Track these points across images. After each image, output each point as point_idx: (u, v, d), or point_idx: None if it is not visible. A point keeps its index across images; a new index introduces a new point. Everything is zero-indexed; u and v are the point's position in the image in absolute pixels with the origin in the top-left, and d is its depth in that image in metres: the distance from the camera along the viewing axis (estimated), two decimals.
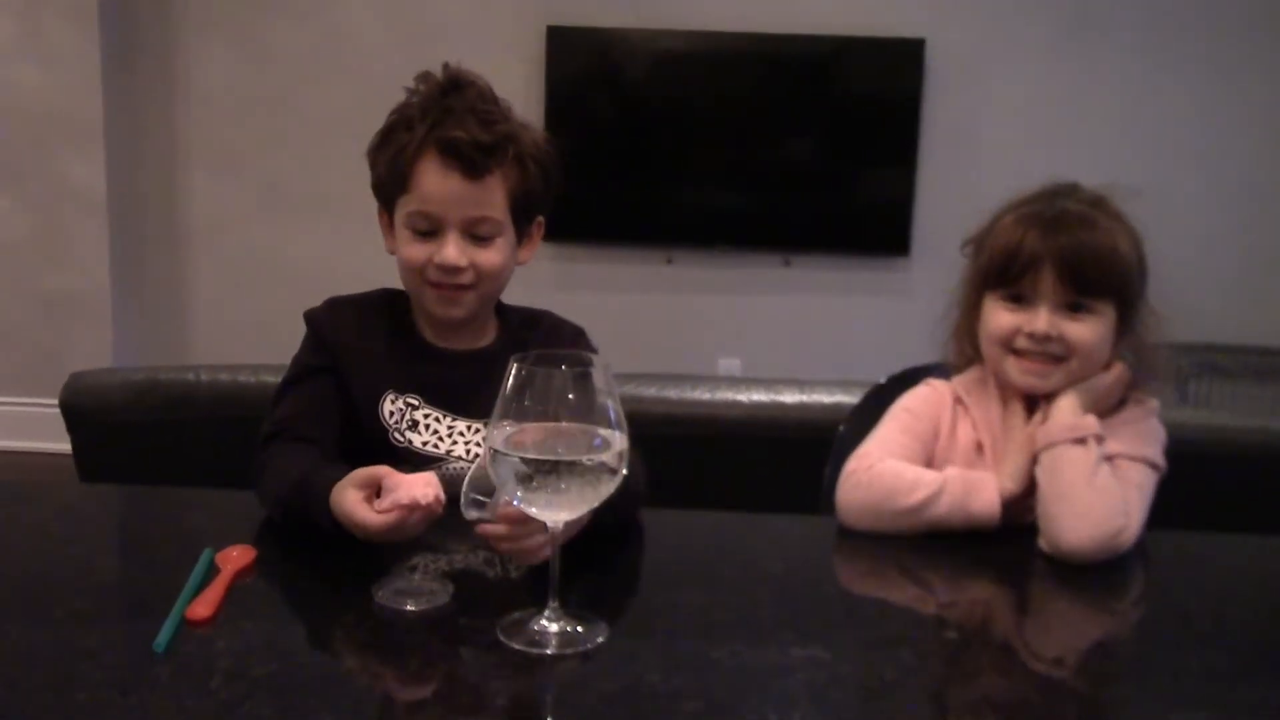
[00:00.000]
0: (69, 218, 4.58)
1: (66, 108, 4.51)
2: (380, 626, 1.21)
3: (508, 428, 1.14)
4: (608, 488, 1.15)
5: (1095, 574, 1.42)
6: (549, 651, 1.15)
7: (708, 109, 4.76)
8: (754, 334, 4.97)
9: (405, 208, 1.61)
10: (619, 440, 1.15)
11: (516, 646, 1.15)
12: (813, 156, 4.83)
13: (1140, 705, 1.12)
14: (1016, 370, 1.57)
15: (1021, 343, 1.55)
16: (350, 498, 1.33)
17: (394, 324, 1.70)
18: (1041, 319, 1.53)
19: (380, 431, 1.61)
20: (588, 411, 1.14)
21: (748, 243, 4.89)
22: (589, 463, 1.13)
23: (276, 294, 4.66)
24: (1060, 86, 4.70)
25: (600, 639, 1.17)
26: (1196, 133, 4.70)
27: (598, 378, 1.15)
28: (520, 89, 4.60)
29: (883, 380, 2.07)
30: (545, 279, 4.72)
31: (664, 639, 1.22)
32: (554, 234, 4.69)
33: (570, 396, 1.14)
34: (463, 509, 1.27)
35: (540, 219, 1.72)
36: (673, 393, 2.32)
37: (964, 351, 1.66)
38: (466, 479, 1.27)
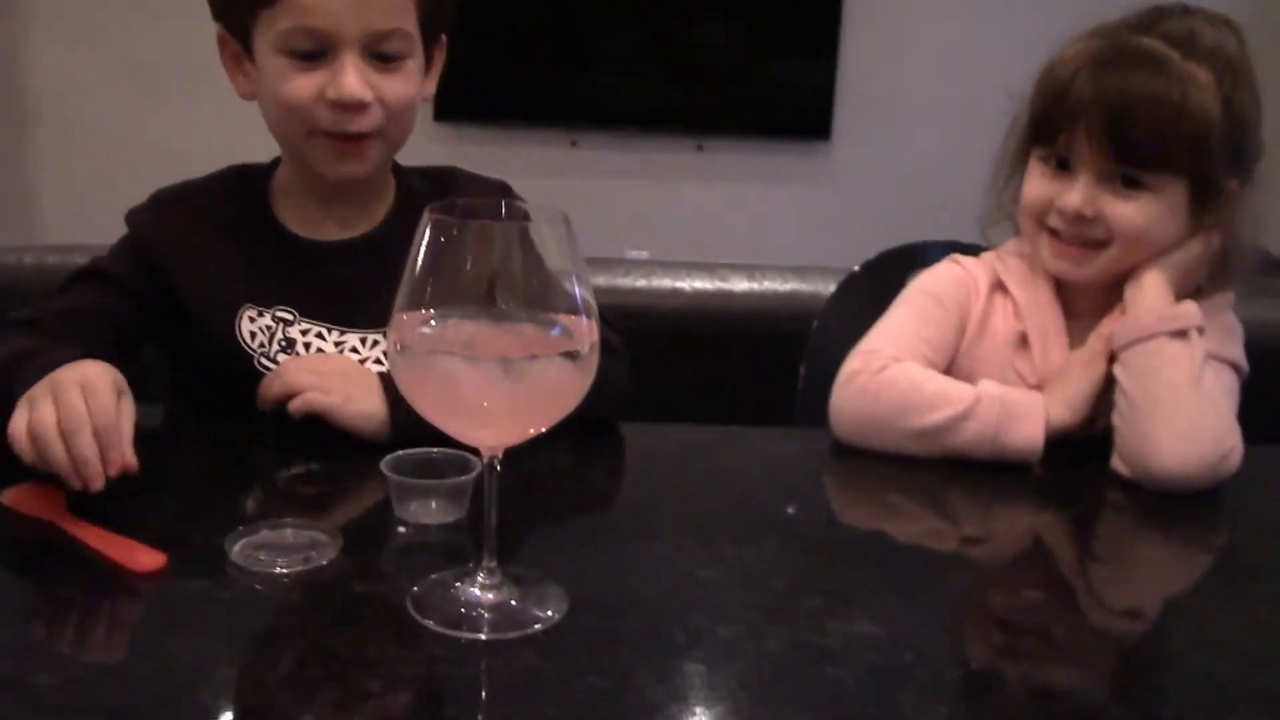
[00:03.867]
0: None
1: None
2: (236, 599, 0.84)
3: (421, 316, 0.77)
4: (573, 395, 0.79)
5: (1176, 501, 1.11)
6: (483, 636, 0.79)
7: None
8: (664, 223, 4.62)
9: (275, 24, 1.17)
10: (586, 327, 0.78)
11: (434, 627, 0.80)
12: (728, 34, 4.45)
13: (1251, 669, 0.81)
14: (1048, 252, 1.25)
15: (1054, 220, 1.22)
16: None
17: (247, 215, 1.28)
18: (1075, 193, 1.20)
19: (242, 359, 1.22)
20: (539, 288, 0.78)
21: (658, 125, 4.51)
22: (546, 362, 0.77)
23: (135, 176, 4.14)
24: None
25: (556, 615, 0.82)
26: None
27: (551, 238, 0.78)
28: None
29: (856, 268, 1.76)
30: (437, 162, 4.30)
31: (648, 614, 0.86)
32: (447, 113, 4.32)
33: (513, 267, 0.77)
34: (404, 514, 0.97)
35: (444, 38, 1.31)
36: (601, 279, 1.95)
37: (1004, 221, 1.32)
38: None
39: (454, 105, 4.28)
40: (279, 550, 0.89)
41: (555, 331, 0.78)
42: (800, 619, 0.84)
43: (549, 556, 0.92)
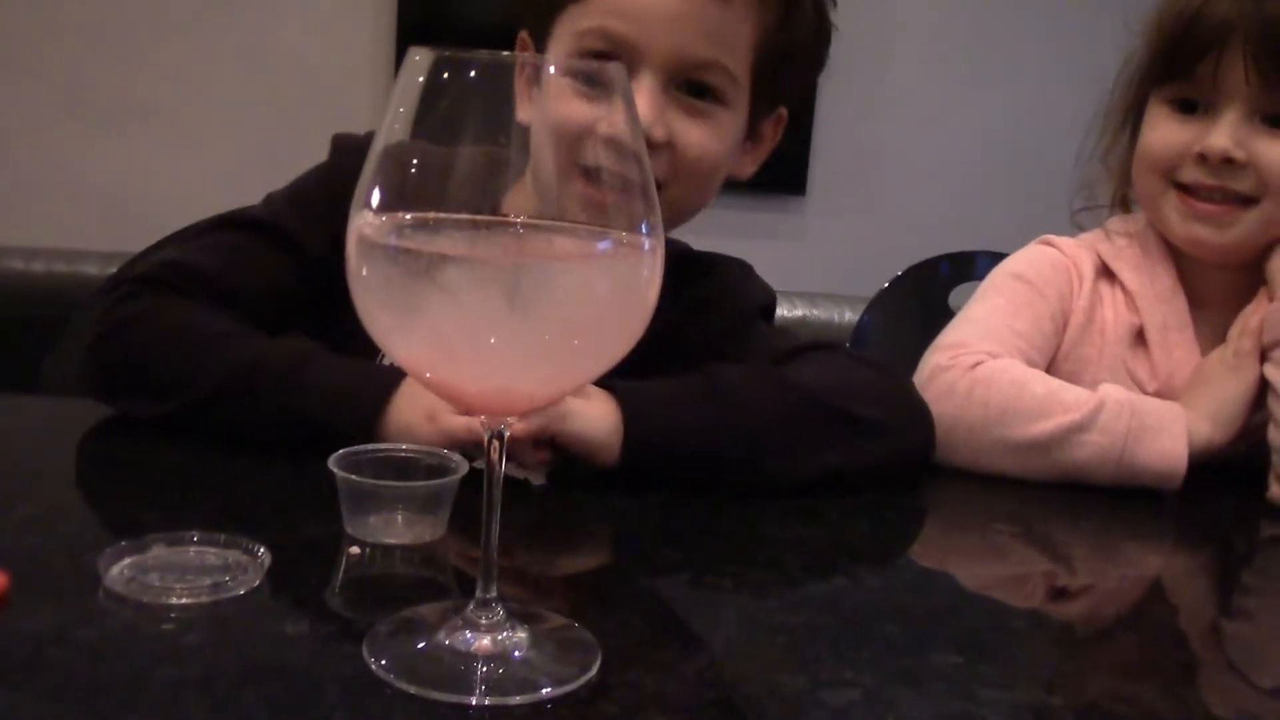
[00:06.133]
0: None
1: None
2: (106, 640, 0.57)
3: (395, 218, 0.52)
4: (625, 331, 0.53)
5: None
6: (473, 701, 0.53)
7: None
8: None
9: (577, 22, 0.92)
10: (648, 247, 0.53)
11: (403, 685, 0.53)
12: None
13: None
14: (1178, 215, 1.01)
15: (1188, 172, 0.99)
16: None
17: None
18: (1221, 132, 0.97)
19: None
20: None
21: None
22: (586, 270, 0.51)
23: (76, 216, 3.89)
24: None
25: (583, 672, 0.55)
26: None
27: (616, 108, 0.53)
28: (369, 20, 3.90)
29: (886, 284, 1.54)
30: None
31: (715, 672, 0.59)
32: None
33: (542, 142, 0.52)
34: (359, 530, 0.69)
35: (784, 112, 1.03)
36: None
37: (1113, 191, 1.08)
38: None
39: None
40: (178, 573, 0.62)
41: (604, 244, 0.52)
42: (937, 682, 0.58)
43: (568, 592, 0.66)
